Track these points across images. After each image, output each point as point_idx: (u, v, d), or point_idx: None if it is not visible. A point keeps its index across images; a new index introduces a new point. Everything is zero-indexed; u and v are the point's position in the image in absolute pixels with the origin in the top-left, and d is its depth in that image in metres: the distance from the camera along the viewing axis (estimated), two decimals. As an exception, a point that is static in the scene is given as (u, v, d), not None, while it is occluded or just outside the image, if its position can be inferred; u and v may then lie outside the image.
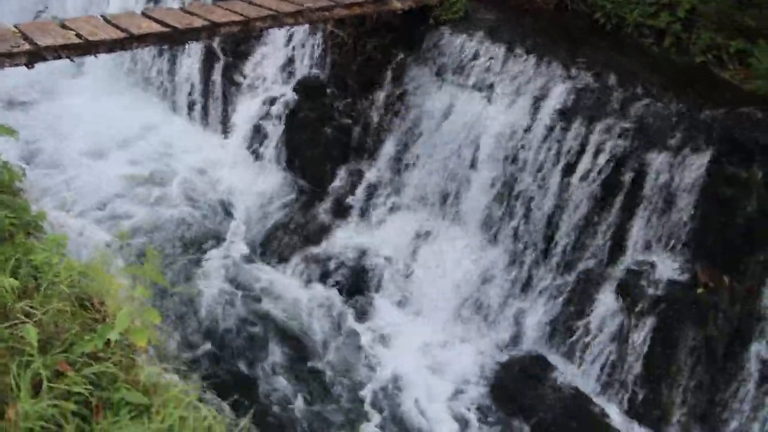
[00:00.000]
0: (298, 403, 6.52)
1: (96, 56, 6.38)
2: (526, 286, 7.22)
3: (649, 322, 6.39)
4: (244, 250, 8.67)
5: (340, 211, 8.83)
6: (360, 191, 8.69)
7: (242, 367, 6.89)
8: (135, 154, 10.40)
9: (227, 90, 10.88)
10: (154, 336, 3.51)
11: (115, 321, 3.10)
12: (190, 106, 11.43)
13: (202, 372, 6.18)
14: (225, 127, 10.95)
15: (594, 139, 6.62)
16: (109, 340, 3.12)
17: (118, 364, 3.13)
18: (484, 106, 7.42)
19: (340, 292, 8.03)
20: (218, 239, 8.82)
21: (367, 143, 8.88)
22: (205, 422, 2.87)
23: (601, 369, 6.74)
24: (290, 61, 10.07)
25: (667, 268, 6.34)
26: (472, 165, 7.54)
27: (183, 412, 2.81)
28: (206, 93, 11.20)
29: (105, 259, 3.73)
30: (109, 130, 10.64)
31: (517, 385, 6.93)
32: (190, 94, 11.40)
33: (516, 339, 7.25)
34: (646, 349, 6.49)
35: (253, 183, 9.70)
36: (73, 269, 3.54)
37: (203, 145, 10.84)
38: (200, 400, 3.20)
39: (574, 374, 6.89)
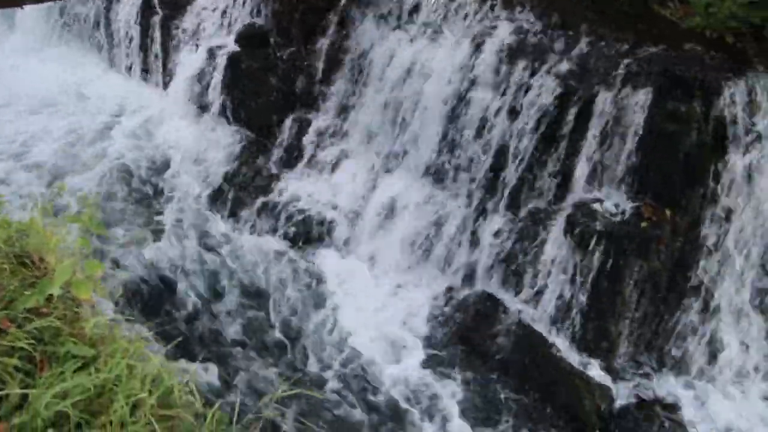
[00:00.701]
0: (250, 351, 6.52)
1: (22, 8, 6.10)
2: (476, 227, 7.30)
3: (596, 257, 6.54)
4: (192, 204, 8.53)
5: (289, 160, 8.74)
6: (307, 140, 8.60)
7: (194, 316, 6.83)
8: (72, 112, 10.05)
9: (167, 43, 10.55)
10: (100, 288, 3.45)
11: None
12: (129, 61, 11.07)
13: (153, 322, 6.12)
14: (166, 81, 10.65)
15: (538, 79, 6.65)
16: (51, 295, 3.07)
17: (62, 318, 3.07)
18: (428, 50, 7.37)
19: (292, 241, 8.00)
20: (164, 195, 8.66)
21: (312, 91, 8.75)
22: (155, 370, 2.86)
23: (551, 305, 6.91)
24: (230, 11, 9.80)
25: (613, 203, 6.48)
26: (418, 109, 7.50)
27: (131, 362, 2.79)
28: (145, 47, 10.85)
29: (43, 215, 3.62)
30: (43, 88, 10.24)
31: (470, 325, 7.06)
32: (128, 48, 11.03)
33: (468, 280, 7.36)
34: (593, 283, 6.67)
35: (198, 137, 9.50)
36: (10, 227, 3.43)
37: (144, 100, 10.54)
38: (150, 349, 3.18)
39: (526, 311, 7.04)
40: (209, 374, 5.42)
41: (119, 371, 2.72)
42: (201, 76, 9.85)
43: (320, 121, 8.71)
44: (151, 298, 6.85)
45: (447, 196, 7.53)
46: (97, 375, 2.70)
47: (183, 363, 3.00)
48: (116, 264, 6.96)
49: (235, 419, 2.70)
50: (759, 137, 6.30)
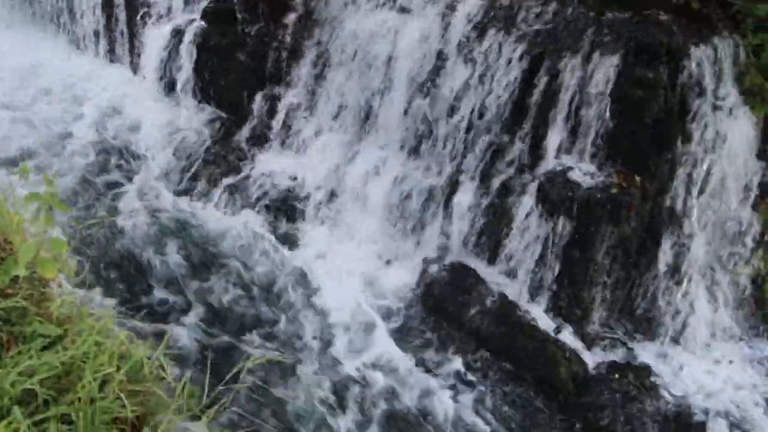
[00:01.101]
0: (222, 324, 6.51)
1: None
2: (450, 198, 7.32)
3: (568, 225, 6.60)
4: (164, 184, 8.45)
5: (260, 138, 8.68)
6: (279, 117, 8.54)
7: (164, 292, 6.81)
8: (35, 95, 9.85)
9: (132, 21, 10.36)
10: (66, 267, 3.41)
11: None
12: (94, 41, 10.86)
13: (122, 299, 6.10)
14: (133, 61, 10.49)
15: (506, 48, 6.64)
16: (17, 276, 3.04)
17: (28, 299, 3.04)
18: (397, 20, 7.32)
19: (266, 219, 7.96)
20: (133, 175, 8.56)
21: (282, 67, 8.66)
22: (123, 347, 2.84)
23: (525, 274, 6.97)
24: (196, -13, 9.64)
25: (583, 171, 6.53)
26: (388, 81, 7.47)
27: (99, 338, 2.77)
28: (110, 26, 10.64)
29: (5, 196, 3.58)
30: (5, 68, 10.02)
31: (446, 296, 7.11)
32: (92, 28, 10.81)
33: (443, 252, 7.39)
34: (566, 251, 6.73)
35: (167, 116, 9.39)
36: (-30, 209, 3.38)
37: (111, 81, 10.37)
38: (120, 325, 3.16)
39: (500, 281, 7.11)
40: (180, 348, 5.43)
41: (87, 348, 2.70)
42: (168, 55, 9.70)
43: (291, 96, 8.64)
44: (120, 276, 6.81)
45: (420, 168, 7.54)
46: (65, 353, 2.69)
47: (153, 338, 2.98)
48: (84, 243, 6.88)
49: (206, 391, 2.70)
50: (724, 102, 6.37)
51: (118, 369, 2.67)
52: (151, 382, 2.68)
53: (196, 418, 2.75)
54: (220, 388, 2.74)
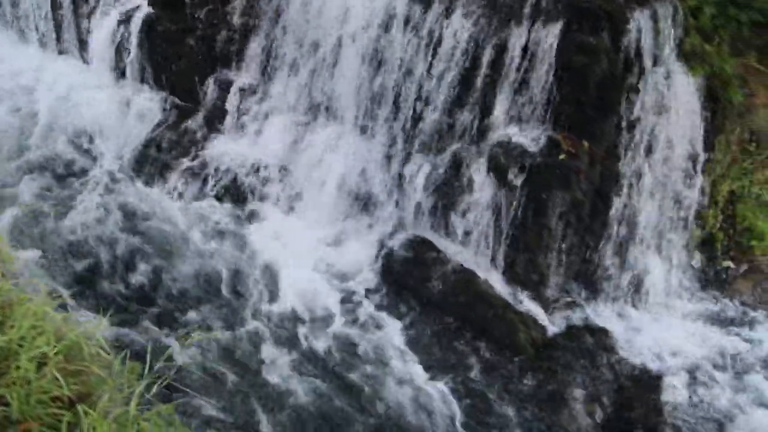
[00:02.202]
0: (185, 307, 6.51)
1: None
2: (403, 172, 7.37)
3: (520, 192, 6.70)
4: (118, 173, 8.37)
5: (214, 122, 8.62)
6: (231, 100, 8.47)
7: (115, 279, 6.77)
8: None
9: (78, 10, 10.16)
10: (7, 255, 3.40)
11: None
12: (40, 32, 10.62)
13: (70, 285, 6.06)
14: (82, 51, 10.30)
15: (453, 19, 6.67)
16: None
17: (-34, 288, 3.03)
18: (343, -1, 7.30)
19: (221, 201, 7.94)
20: (89, 166, 8.46)
21: (233, 50, 8.59)
22: (63, 329, 2.86)
23: (481, 243, 7.07)
24: (140, -29, 9.47)
25: (532, 138, 6.62)
26: (338, 59, 7.47)
27: (35, 322, 2.77)
28: (56, 16, 10.42)
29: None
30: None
31: (404, 269, 7.19)
32: (37, 18, 10.56)
33: (400, 226, 7.46)
34: (519, 218, 6.84)
35: (119, 104, 9.24)
36: None
37: (61, 72, 10.14)
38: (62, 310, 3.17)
39: (457, 251, 7.20)
40: (124, 328, 5.41)
41: (24, 332, 2.71)
42: (117, 43, 9.54)
43: (243, 79, 8.58)
44: (69, 261, 6.76)
45: (373, 144, 7.56)
46: (2, 337, 2.69)
47: (94, 319, 2.99)
48: (32, 230, 6.81)
49: (147, 367, 2.73)
50: (666, 65, 6.50)
51: (56, 350, 2.68)
52: (90, 362, 2.69)
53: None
54: (161, 364, 2.76)
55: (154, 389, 2.78)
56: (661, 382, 6.66)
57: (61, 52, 10.50)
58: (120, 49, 9.49)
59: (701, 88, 6.73)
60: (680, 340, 7.20)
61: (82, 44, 10.20)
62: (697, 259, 7.71)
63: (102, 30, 9.67)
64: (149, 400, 2.75)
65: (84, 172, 8.37)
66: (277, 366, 6.10)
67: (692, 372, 6.85)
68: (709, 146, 7.17)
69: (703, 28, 6.45)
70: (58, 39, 10.46)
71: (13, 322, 2.84)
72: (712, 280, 7.82)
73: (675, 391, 6.63)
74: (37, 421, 2.45)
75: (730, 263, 7.95)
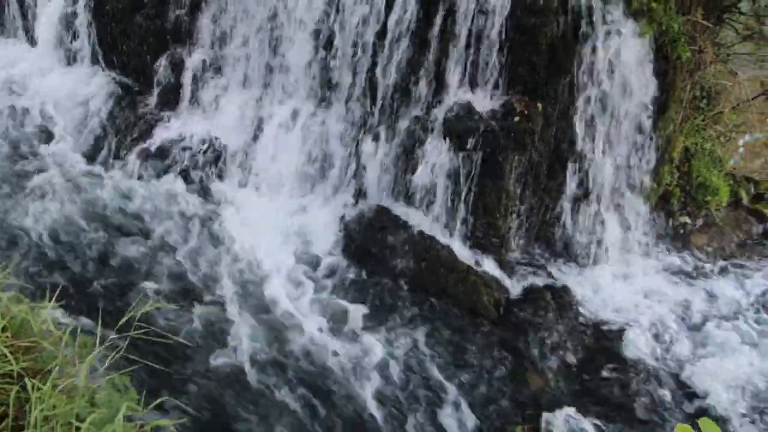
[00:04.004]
0: (140, 283, 6.47)
1: None
2: (362, 143, 7.36)
3: (476, 156, 6.74)
4: (73, 158, 8.23)
5: (169, 101, 8.49)
6: (186, 77, 8.33)
7: (74, 258, 6.68)
8: None
9: (22, -9, 9.89)
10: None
11: None
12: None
13: (25, 268, 5.98)
14: (28, 33, 10.04)
15: (402, -16, 6.65)
16: None
17: None
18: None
19: (183, 181, 7.86)
20: (42, 150, 8.30)
21: (184, 27, 8.43)
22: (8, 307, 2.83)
23: (441, 209, 7.12)
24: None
25: (485, 101, 6.66)
26: (290, 30, 7.38)
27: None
28: (-1, 0, 10.14)
29: None
30: None
31: (365, 238, 7.21)
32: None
33: (360, 196, 7.47)
34: (477, 182, 6.89)
35: (70, 87, 9.04)
36: None
37: (7, 56, 9.90)
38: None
39: (418, 219, 7.24)
40: (77, 303, 5.37)
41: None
42: (65, 24, 9.32)
43: (196, 56, 8.43)
44: (24, 244, 6.67)
45: (330, 116, 7.53)
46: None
47: (43, 300, 2.96)
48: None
49: (98, 341, 2.72)
50: (614, 24, 6.55)
51: (5, 328, 2.66)
52: (40, 337, 2.68)
53: (93, 369, 2.77)
54: (113, 336, 2.75)
55: (107, 362, 2.78)
56: (623, 337, 6.82)
57: (7, 36, 10.23)
58: (67, 30, 9.28)
59: (651, 46, 6.80)
60: (640, 294, 7.37)
61: (29, 27, 9.95)
62: (657, 215, 7.88)
63: (49, 11, 9.44)
64: (105, 373, 2.75)
65: (36, 155, 8.20)
66: (234, 336, 6.10)
67: (653, 325, 7.02)
68: (661, 104, 7.28)
69: (649, -15, 6.51)
70: (2, 23, 10.19)
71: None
72: (670, 235, 8.00)
73: (637, 344, 6.79)
74: (-14, 398, 2.44)
75: (686, 218, 8.13)
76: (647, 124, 7.27)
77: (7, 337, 2.60)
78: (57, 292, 3.20)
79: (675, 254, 7.95)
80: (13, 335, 2.64)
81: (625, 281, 7.55)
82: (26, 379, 2.36)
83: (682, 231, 8.07)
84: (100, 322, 2.71)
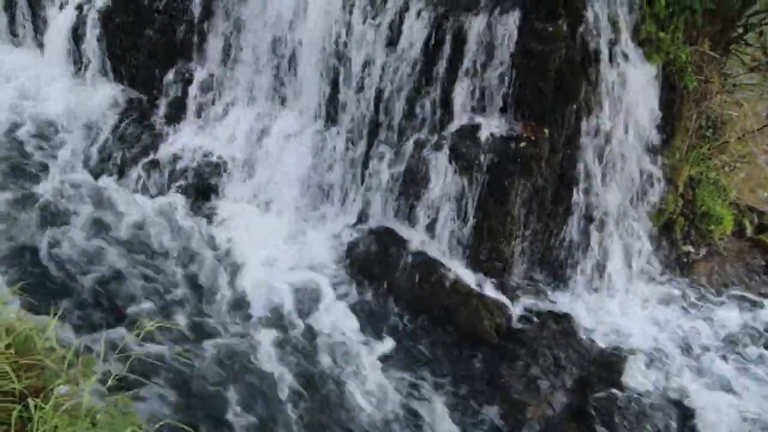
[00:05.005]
0: (142, 301, 6.42)
1: None
2: (366, 163, 7.38)
3: (482, 180, 6.74)
4: (79, 169, 8.24)
5: (175, 115, 8.52)
6: (193, 92, 8.38)
7: (75, 273, 6.65)
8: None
9: (34, 2, 9.96)
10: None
11: None
12: (-6, 24, 10.39)
13: (26, 280, 5.93)
14: (39, 43, 10.10)
15: (412, 7, 6.67)
16: None
17: None
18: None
19: (186, 196, 7.86)
20: (47, 161, 8.31)
21: (192, 41, 8.48)
22: (16, 323, 2.81)
23: (445, 232, 7.10)
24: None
25: (492, 126, 6.66)
26: (299, 49, 7.43)
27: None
28: (10, 7, 10.19)
29: None
30: None
31: (368, 259, 7.19)
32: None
33: (364, 217, 7.46)
34: (482, 206, 6.88)
35: (78, 98, 9.10)
36: None
37: (17, 64, 9.95)
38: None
39: (421, 240, 7.22)
40: (81, 322, 5.34)
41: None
42: (75, 35, 9.38)
43: (204, 71, 8.49)
44: (27, 257, 6.65)
45: (335, 134, 7.55)
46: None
47: (47, 314, 2.94)
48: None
49: (101, 358, 2.70)
50: (623, 52, 6.58)
51: (9, 345, 2.64)
52: (43, 356, 2.66)
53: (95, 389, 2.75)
54: (117, 355, 2.74)
55: (110, 382, 2.76)
56: (624, 365, 6.77)
57: (18, 45, 10.29)
58: (78, 41, 9.34)
59: (658, 75, 6.83)
60: (642, 322, 7.34)
61: (39, 36, 10.01)
62: (660, 243, 7.86)
63: (59, 22, 9.51)
64: (106, 392, 2.73)
65: (41, 166, 8.22)
66: (236, 355, 6.06)
67: (653, 355, 6.98)
68: (667, 132, 7.30)
69: (658, 15, 6.54)
70: (13, 31, 10.25)
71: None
72: (672, 264, 7.98)
73: (637, 373, 6.75)
74: (-13, 416, 2.41)
75: (690, 247, 8.11)
76: (653, 152, 7.29)
77: (10, 353, 2.58)
78: (59, 307, 3.17)
79: (678, 283, 7.92)
80: (16, 352, 2.62)
81: (627, 309, 7.52)
82: (29, 399, 2.35)
83: (685, 260, 8.04)
84: (103, 341, 2.69)
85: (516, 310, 7.18)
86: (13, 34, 10.24)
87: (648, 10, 6.52)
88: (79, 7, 9.19)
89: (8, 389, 2.46)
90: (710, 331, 7.33)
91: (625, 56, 6.59)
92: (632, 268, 7.75)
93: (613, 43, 6.51)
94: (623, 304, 7.55)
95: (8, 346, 2.61)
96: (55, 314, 2.97)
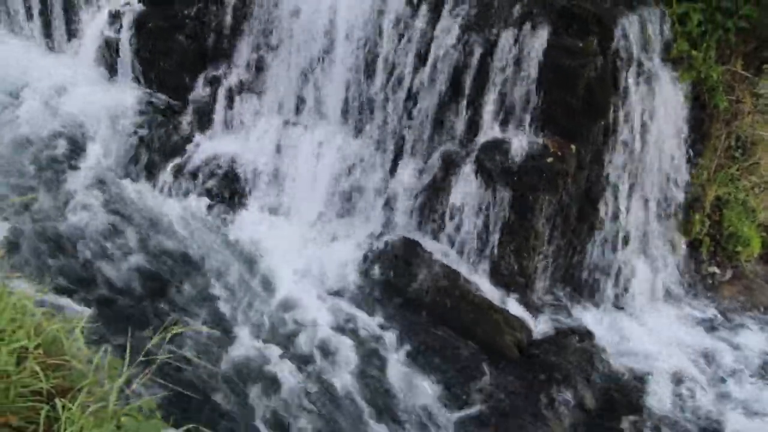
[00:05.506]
0: (168, 303, 6.46)
1: None
2: (392, 174, 7.39)
3: (507, 195, 6.72)
4: (107, 169, 8.35)
5: (203, 120, 8.61)
6: (221, 98, 8.46)
7: (102, 273, 6.73)
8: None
9: (69, 5, 10.14)
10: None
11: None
12: (30, 27, 10.59)
13: (54, 281, 6.01)
14: (72, 46, 10.28)
15: (442, 21, 6.69)
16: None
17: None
18: (334, -2, 7.31)
19: (212, 200, 7.93)
20: (78, 163, 8.43)
21: (222, 48, 8.58)
22: (45, 323, 2.84)
23: (468, 245, 7.08)
24: (132, -32, 9.45)
25: (519, 141, 6.64)
26: (328, 58, 7.47)
27: (16, 316, 2.76)
28: (46, 10, 10.39)
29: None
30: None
31: (391, 269, 7.19)
32: (27, 13, 10.54)
33: (388, 227, 7.47)
34: (506, 221, 6.85)
35: (108, 102, 9.22)
36: None
37: (50, 66, 10.13)
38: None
39: (444, 252, 7.21)
40: (108, 323, 5.38)
41: (3, 325, 2.70)
42: (107, 39, 9.54)
43: (233, 77, 8.57)
44: (56, 256, 6.73)
45: (363, 145, 7.58)
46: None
47: (75, 314, 2.98)
48: (20, 225, 6.77)
49: (127, 361, 2.72)
50: (653, 70, 6.54)
51: (37, 344, 2.67)
52: (71, 356, 2.68)
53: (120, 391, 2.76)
54: (141, 358, 2.76)
55: (134, 385, 2.78)
56: (645, 386, 6.68)
57: (51, 48, 10.48)
58: (110, 46, 9.49)
59: (688, 93, 6.77)
60: (665, 343, 7.24)
61: (73, 40, 10.19)
62: (685, 263, 7.76)
63: (93, 26, 9.69)
64: (131, 395, 2.75)
65: (72, 168, 8.35)
66: (261, 362, 6.08)
67: (676, 376, 6.87)
68: (696, 152, 7.23)
69: (690, 34, 6.49)
70: (48, 34, 10.44)
71: (-5, 317, 2.83)
72: (698, 284, 7.87)
73: (659, 395, 6.65)
74: (16, 414, 2.44)
75: (716, 269, 8.00)
76: (680, 171, 7.21)
77: (39, 353, 2.61)
78: (87, 307, 3.21)
79: (702, 304, 7.81)
80: (44, 352, 2.65)
81: (650, 328, 7.42)
82: (57, 399, 2.37)
83: (710, 281, 7.94)
84: (129, 342, 2.72)
85: (537, 326, 7.12)
86: (48, 38, 10.43)
87: (680, 29, 6.47)
88: (114, 13, 9.34)
89: (36, 388, 2.48)
90: (736, 355, 7.21)
91: (656, 74, 6.54)
92: (656, 287, 7.66)
93: (643, 61, 6.47)
94: (646, 324, 7.45)
95: (37, 346, 2.64)
96: (82, 315, 3.01)
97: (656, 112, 6.68)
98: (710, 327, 7.53)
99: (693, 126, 6.94)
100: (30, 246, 6.70)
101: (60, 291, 5.34)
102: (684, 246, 7.73)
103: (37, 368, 2.51)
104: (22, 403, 2.46)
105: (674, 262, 7.72)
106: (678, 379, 6.85)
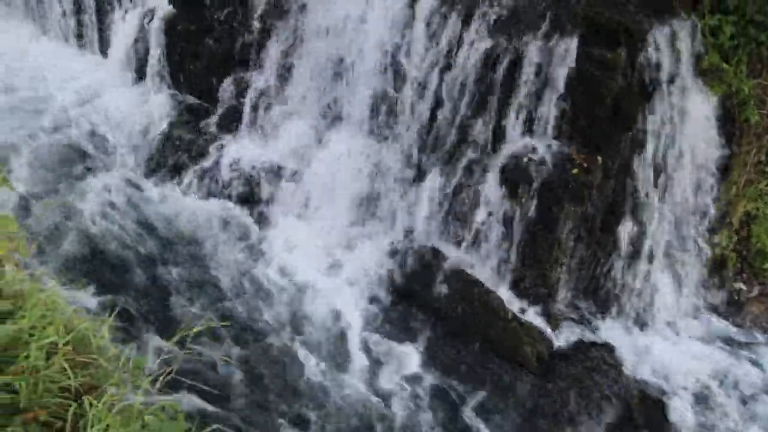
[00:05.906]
0: (191, 304, 6.52)
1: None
2: (416, 181, 7.38)
3: (531, 205, 6.68)
4: (133, 170, 8.45)
5: (230, 123, 8.67)
6: (248, 101, 8.52)
7: (127, 274, 6.80)
8: (2, 82, 9.75)
9: (101, 7, 10.29)
10: (22, 246, 3.44)
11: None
12: (62, 27, 10.76)
13: (80, 279, 6.07)
14: (102, 47, 10.42)
15: (470, 30, 6.68)
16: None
17: (-21, 277, 3.06)
18: (364, 6, 7.31)
19: (237, 204, 7.99)
20: (105, 164, 8.54)
21: (251, 52, 8.64)
22: (74, 320, 2.88)
23: (490, 254, 7.06)
24: (163, -28, 9.56)
25: (545, 151, 6.61)
26: (355, 65, 7.50)
27: (46, 312, 2.80)
28: (78, 11, 10.55)
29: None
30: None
31: (413, 277, 7.19)
32: (60, 13, 10.70)
33: (410, 234, 7.46)
34: (530, 231, 6.82)
35: (137, 103, 9.36)
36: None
37: (80, 67, 10.29)
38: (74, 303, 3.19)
39: (466, 262, 7.19)
40: (134, 321, 5.44)
41: (34, 321, 2.73)
42: (137, 41, 9.66)
43: (260, 81, 8.62)
44: (83, 255, 6.81)
45: (387, 152, 7.58)
46: (13, 325, 2.71)
47: (102, 312, 3.01)
48: (48, 223, 6.87)
49: (150, 360, 2.75)
50: (683, 82, 6.47)
51: (67, 341, 2.70)
52: (98, 354, 2.71)
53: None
54: (165, 356, 2.78)
55: (158, 384, 2.80)
56: (666, 403, 6.60)
57: (82, 48, 10.63)
58: (140, 47, 9.60)
59: (718, 106, 6.70)
60: (688, 361, 7.14)
61: (104, 41, 10.33)
62: (710, 278, 7.66)
63: (124, 28, 9.81)
64: (154, 394, 2.77)
65: (99, 168, 8.45)
66: (281, 365, 6.11)
67: (699, 394, 6.79)
68: (725, 166, 7.14)
69: (722, 46, 6.42)
70: (80, 34, 10.59)
71: (24, 312, 2.87)
72: (723, 301, 7.76)
73: (680, 413, 6.57)
74: (44, 410, 2.47)
75: (742, 285, 7.88)
76: (708, 185, 7.13)
77: (68, 350, 2.64)
78: (112, 304, 3.24)
79: (727, 321, 7.69)
80: (73, 349, 2.68)
81: (673, 344, 7.33)
82: (84, 397, 2.39)
83: (736, 297, 7.81)
84: (151, 342, 2.74)
85: (558, 338, 7.07)
86: (80, 38, 10.58)
87: (711, 41, 6.40)
88: (145, 15, 9.45)
89: (64, 385, 2.51)
90: (760, 374, 7.09)
91: (685, 86, 6.47)
92: (680, 302, 7.56)
93: (673, 73, 6.41)
94: (669, 339, 7.37)
95: (66, 343, 2.67)
96: (109, 311, 3.04)
97: (685, 125, 6.61)
98: (734, 344, 7.41)
99: (723, 140, 6.85)
100: (59, 245, 6.79)
101: (86, 289, 5.40)
102: (710, 261, 7.63)
103: (66, 365, 2.54)
104: (50, 399, 2.49)
105: (699, 277, 7.62)
106: (701, 397, 6.77)
